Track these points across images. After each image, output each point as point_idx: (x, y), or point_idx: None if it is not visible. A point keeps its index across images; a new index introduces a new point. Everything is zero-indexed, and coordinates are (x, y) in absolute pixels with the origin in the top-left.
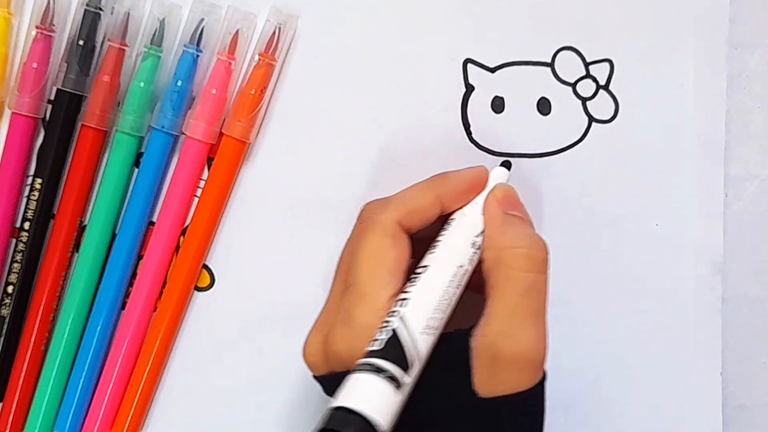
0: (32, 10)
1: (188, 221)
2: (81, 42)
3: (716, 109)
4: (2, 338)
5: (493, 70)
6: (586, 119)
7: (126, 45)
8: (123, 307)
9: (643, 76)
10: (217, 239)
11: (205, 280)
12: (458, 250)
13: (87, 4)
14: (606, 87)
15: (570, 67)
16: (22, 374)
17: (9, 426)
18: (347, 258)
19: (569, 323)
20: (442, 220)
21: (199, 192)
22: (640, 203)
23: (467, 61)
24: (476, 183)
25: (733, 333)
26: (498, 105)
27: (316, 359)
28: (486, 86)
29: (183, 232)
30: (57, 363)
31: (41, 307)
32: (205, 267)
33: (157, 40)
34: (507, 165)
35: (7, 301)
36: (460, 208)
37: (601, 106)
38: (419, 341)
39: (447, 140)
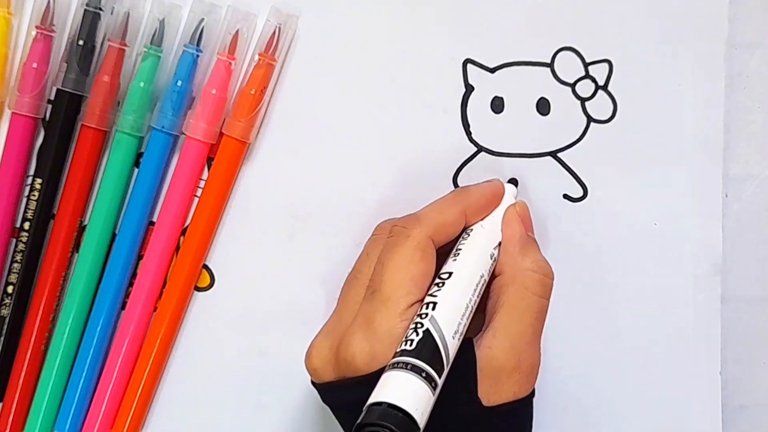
0: (32, 10)
1: (188, 221)
2: (81, 42)
3: (715, 109)
4: (2, 338)
5: (492, 71)
6: (585, 119)
7: (126, 45)
8: (123, 307)
9: (642, 76)
10: (217, 239)
11: (205, 280)
12: (480, 260)
13: (87, 4)
14: (605, 87)
15: (569, 67)
16: (22, 374)
17: (9, 426)
18: (374, 267)
19: (569, 323)
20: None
21: (199, 192)
22: (639, 203)
23: (467, 61)
24: (495, 197)
25: (732, 333)
26: (497, 105)
27: (323, 364)
28: (485, 86)
29: (183, 232)
30: (57, 363)
31: (41, 307)
32: (205, 267)
33: (157, 40)
34: (515, 182)
35: (7, 301)
36: (479, 220)
37: (600, 107)
38: (449, 344)
39: (447, 140)
